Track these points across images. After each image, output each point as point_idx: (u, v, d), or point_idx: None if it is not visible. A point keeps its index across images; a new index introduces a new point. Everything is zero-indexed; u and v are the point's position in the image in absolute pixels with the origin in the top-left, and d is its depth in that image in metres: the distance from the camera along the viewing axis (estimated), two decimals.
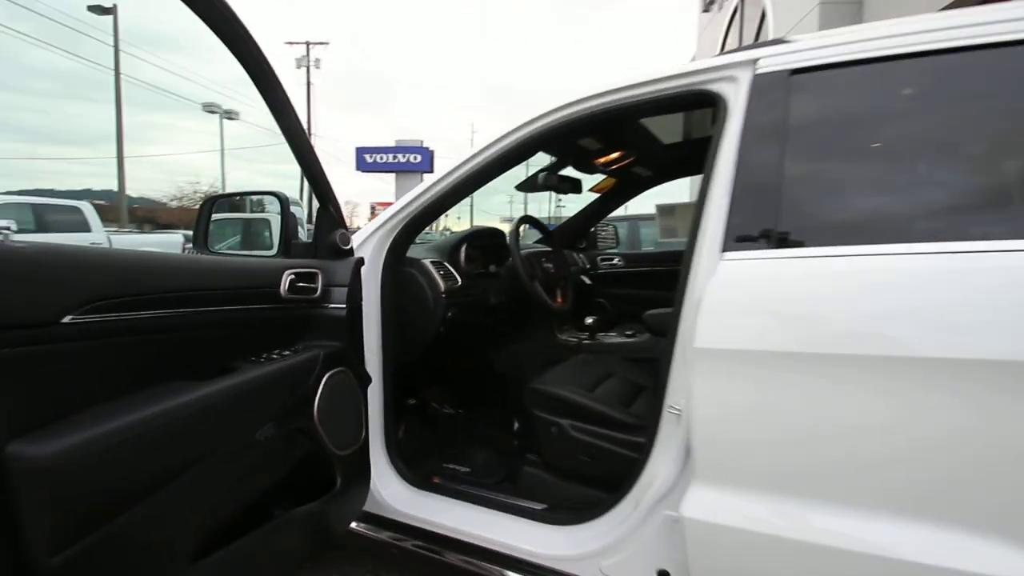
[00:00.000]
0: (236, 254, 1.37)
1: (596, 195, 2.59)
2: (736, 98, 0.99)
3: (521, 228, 1.93)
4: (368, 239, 1.38)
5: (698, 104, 1.09)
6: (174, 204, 23.86)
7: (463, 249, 1.81)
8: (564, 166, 2.07)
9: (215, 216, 1.36)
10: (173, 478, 0.77)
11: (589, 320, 1.98)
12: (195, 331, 0.87)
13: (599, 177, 2.44)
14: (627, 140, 1.92)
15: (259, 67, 0.94)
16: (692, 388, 0.93)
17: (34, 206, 6.80)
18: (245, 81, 0.93)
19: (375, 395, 1.36)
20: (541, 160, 2.04)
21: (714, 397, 0.91)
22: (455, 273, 1.67)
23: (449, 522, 1.27)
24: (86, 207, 7.31)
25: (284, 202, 1.24)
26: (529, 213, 2.45)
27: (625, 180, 2.42)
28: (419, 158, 14.72)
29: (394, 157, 14.91)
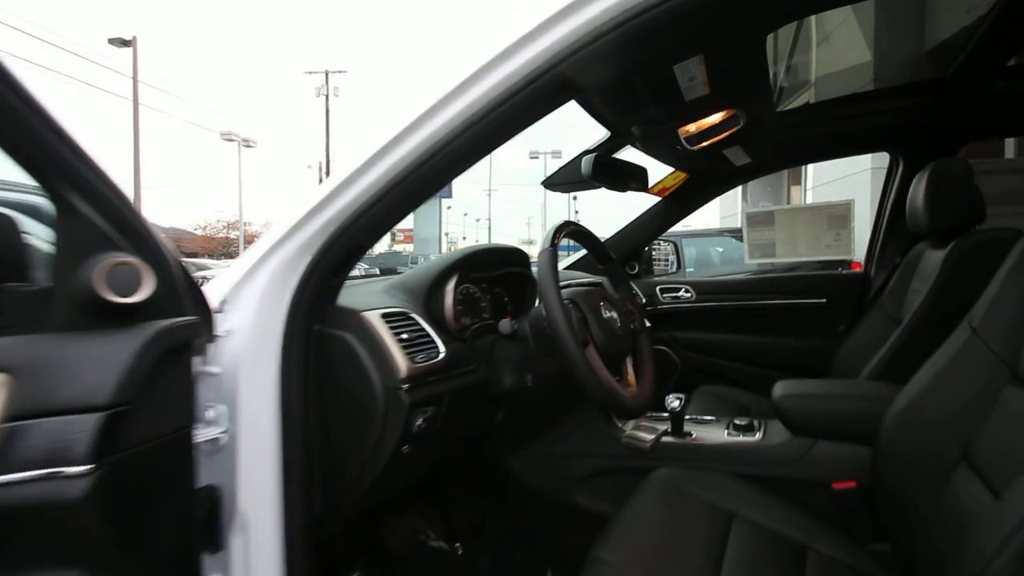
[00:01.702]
0: None
1: (619, 205, 1.80)
2: None
3: (562, 244, 0.94)
4: (250, 274, 0.67)
5: None
6: (199, 232, 24.02)
7: (451, 286, 0.96)
8: (622, 144, 1.28)
9: None
10: None
11: (674, 403, 1.13)
12: None
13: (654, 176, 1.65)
14: (743, 87, 1.09)
15: None
16: None
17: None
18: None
19: None
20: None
21: None
22: (432, 335, 0.87)
23: None
24: None
25: None
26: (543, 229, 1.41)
27: (710, 172, 1.61)
28: None
29: None
